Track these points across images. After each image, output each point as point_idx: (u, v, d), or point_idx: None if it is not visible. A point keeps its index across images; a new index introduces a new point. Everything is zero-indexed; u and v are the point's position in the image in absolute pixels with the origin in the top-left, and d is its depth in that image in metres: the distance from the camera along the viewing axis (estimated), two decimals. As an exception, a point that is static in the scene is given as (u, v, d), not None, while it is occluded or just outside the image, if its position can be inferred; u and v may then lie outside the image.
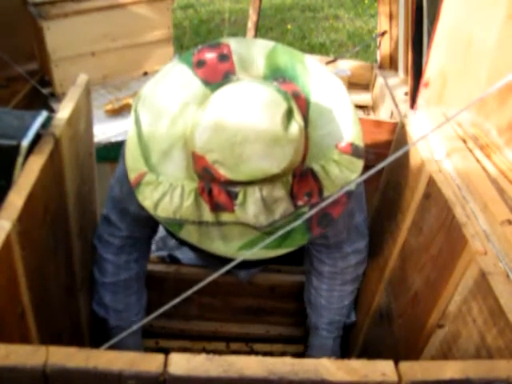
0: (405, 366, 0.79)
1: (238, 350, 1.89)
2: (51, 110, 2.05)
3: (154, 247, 1.79)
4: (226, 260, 1.06)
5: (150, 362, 0.76)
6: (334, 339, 1.67)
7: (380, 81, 2.83)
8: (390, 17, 2.86)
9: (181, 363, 0.76)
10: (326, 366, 0.77)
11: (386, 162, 0.87)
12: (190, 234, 1.14)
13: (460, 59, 1.53)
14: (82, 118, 1.46)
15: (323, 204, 0.94)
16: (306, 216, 0.93)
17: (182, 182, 1.08)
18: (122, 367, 0.75)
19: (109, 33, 2.44)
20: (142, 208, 1.17)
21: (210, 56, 1.17)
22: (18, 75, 2.34)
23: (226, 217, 1.09)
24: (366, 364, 0.78)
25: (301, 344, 1.92)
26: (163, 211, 1.10)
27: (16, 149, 1.12)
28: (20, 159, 1.12)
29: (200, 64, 1.16)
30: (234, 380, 0.75)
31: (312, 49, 5.48)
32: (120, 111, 2.31)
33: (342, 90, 1.19)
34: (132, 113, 1.16)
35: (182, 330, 1.88)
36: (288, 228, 0.93)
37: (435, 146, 1.40)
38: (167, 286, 1.74)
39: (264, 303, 1.85)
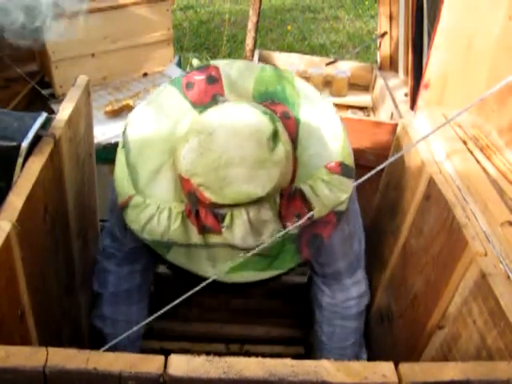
0: (405, 367, 0.78)
1: (238, 351, 1.89)
2: (51, 112, 2.05)
3: None
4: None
5: (150, 364, 0.76)
6: None
7: (380, 82, 2.83)
8: (391, 18, 2.86)
9: (181, 364, 0.76)
10: (326, 367, 0.77)
11: (387, 163, 0.87)
12: (177, 256, 1.13)
13: (460, 60, 1.53)
14: (82, 119, 1.46)
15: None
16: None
17: (170, 205, 1.08)
18: (122, 368, 0.75)
19: (109, 34, 2.44)
20: None
21: (198, 78, 1.17)
22: (18, 76, 2.34)
23: (214, 239, 1.08)
24: (366, 365, 0.78)
25: (301, 345, 1.92)
26: (150, 234, 1.09)
27: (16, 150, 1.12)
28: (20, 160, 1.12)
29: (189, 86, 1.17)
30: (234, 381, 0.75)
31: (312, 50, 5.48)
32: (120, 112, 2.31)
33: (331, 110, 1.19)
34: (121, 136, 1.16)
35: (182, 332, 1.88)
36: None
37: (435, 147, 1.40)
38: (167, 287, 1.74)
39: (264, 305, 1.85)
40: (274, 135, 1.02)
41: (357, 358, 1.52)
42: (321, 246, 1.17)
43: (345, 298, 1.45)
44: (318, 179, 1.09)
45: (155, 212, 1.07)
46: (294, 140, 1.12)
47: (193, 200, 1.05)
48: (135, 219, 1.09)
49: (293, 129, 1.12)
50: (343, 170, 1.11)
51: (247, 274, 1.15)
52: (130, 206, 1.09)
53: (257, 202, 1.02)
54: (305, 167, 1.11)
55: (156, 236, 1.08)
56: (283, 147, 1.03)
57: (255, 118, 1.03)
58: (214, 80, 1.17)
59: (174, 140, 1.09)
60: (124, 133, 1.15)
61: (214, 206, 1.03)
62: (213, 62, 1.21)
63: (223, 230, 1.05)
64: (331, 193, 1.09)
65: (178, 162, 1.04)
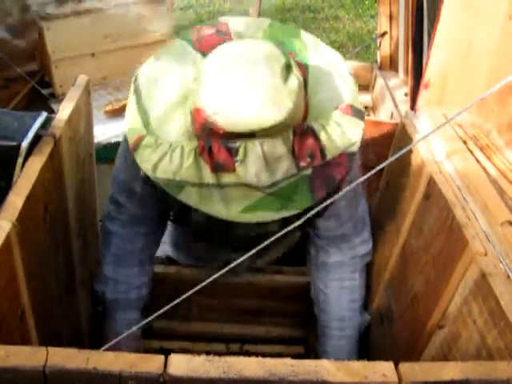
0: (405, 367, 0.78)
1: (238, 351, 1.89)
2: (51, 111, 2.05)
3: None
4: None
5: (150, 363, 0.76)
6: (348, 340, 1.54)
7: (380, 81, 2.83)
8: (391, 17, 2.86)
9: (181, 364, 0.76)
10: (327, 367, 0.77)
11: (387, 162, 0.87)
12: (189, 196, 1.10)
13: (460, 60, 1.53)
14: (82, 118, 1.46)
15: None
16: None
17: (183, 143, 1.08)
18: (122, 368, 0.75)
19: (109, 34, 2.44)
20: (148, 187, 1.17)
21: (208, 32, 1.20)
22: (18, 76, 2.34)
23: (227, 178, 1.07)
24: (367, 365, 0.78)
25: (301, 345, 1.92)
26: (163, 172, 1.08)
27: (16, 150, 1.12)
28: (20, 160, 1.12)
29: (199, 39, 1.19)
30: (234, 381, 0.75)
31: (312, 50, 5.47)
32: (120, 112, 2.30)
33: (339, 59, 1.21)
34: (132, 85, 1.17)
35: (182, 331, 1.88)
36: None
37: (435, 146, 1.40)
38: (167, 286, 1.74)
39: (264, 304, 1.85)
40: (288, 66, 1.05)
41: (361, 316, 1.56)
42: (333, 186, 1.15)
43: (352, 255, 1.49)
44: (330, 118, 1.11)
45: (167, 150, 1.07)
46: (304, 86, 1.12)
47: (206, 133, 1.05)
48: (147, 159, 1.08)
49: (302, 74, 1.13)
50: (354, 111, 1.12)
51: (262, 214, 1.11)
52: (141, 146, 1.09)
53: (270, 134, 1.03)
54: (315, 110, 1.12)
55: (168, 175, 1.08)
56: (296, 78, 1.05)
57: (269, 50, 1.06)
58: (223, 34, 1.20)
59: (185, 84, 1.11)
60: (135, 81, 1.17)
61: (227, 137, 1.03)
62: (221, 19, 1.24)
63: (236, 165, 1.04)
64: (342, 134, 1.10)
65: (191, 94, 1.05)
